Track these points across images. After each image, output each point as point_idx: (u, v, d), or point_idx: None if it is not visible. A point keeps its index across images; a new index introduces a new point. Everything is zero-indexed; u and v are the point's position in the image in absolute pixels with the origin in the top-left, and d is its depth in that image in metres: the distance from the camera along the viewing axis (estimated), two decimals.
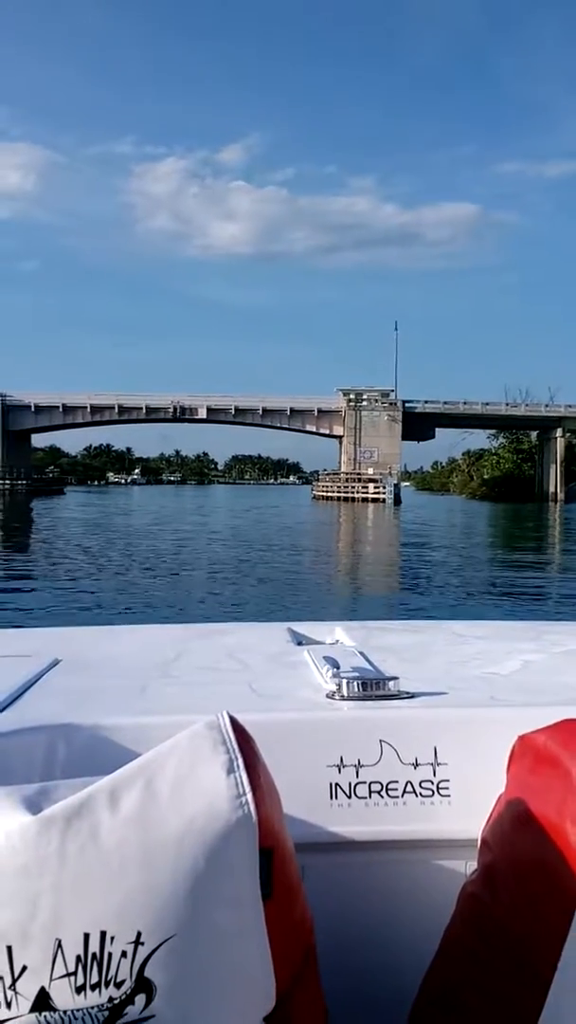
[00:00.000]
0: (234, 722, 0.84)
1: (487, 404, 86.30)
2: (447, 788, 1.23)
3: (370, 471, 79.53)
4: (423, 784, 1.23)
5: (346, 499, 75.87)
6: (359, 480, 79.00)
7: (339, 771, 1.22)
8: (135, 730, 1.18)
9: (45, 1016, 0.76)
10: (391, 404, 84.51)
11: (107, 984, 0.76)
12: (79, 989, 0.75)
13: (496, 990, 0.96)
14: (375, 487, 76.22)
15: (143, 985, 0.77)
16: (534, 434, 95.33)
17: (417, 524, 47.92)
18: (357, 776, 1.22)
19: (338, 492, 78.70)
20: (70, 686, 1.44)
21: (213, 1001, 0.79)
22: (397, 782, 1.23)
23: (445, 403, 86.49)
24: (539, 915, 0.91)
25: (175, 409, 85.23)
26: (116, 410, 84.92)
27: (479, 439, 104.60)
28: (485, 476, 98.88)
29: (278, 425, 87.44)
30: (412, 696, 1.31)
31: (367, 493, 76.00)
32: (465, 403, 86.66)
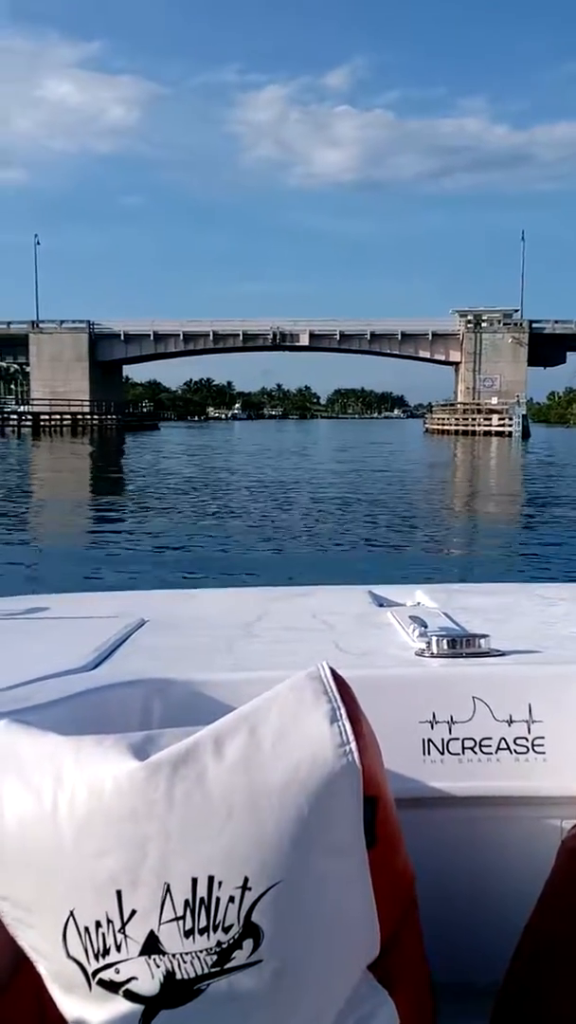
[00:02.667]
0: (335, 673, 0.84)
1: None
2: (542, 745, 1.22)
3: (493, 401, 70.70)
4: (518, 741, 1.22)
5: (465, 432, 67.57)
6: (479, 411, 70.39)
7: (432, 727, 1.21)
8: (228, 685, 1.18)
9: (155, 959, 0.77)
10: (516, 325, 75.00)
11: (215, 928, 0.77)
12: (188, 933, 0.77)
13: None
14: (499, 419, 67.52)
15: (251, 930, 0.77)
16: None
17: (559, 463, 39.85)
18: (450, 732, 1.22)
19: (455, 425, 70.30)
20: (159, 644, 1.46)
21: (318, 947, 0.80)
22: (491, 739, 1.22)
23: None
24: None
25: (275, 336, 77.86)
26: (211, 337, 78.14)
27: None
28: None
29: (388, 352, 79.04)
30: (503, 654, 1.30)
31: (490, 425, 67.43)
32: None
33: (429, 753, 1.21)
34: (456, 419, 71.35)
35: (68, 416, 70.57)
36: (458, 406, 74.23)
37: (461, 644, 1.30)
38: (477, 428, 67.85)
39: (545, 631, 1.49)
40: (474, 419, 69.34)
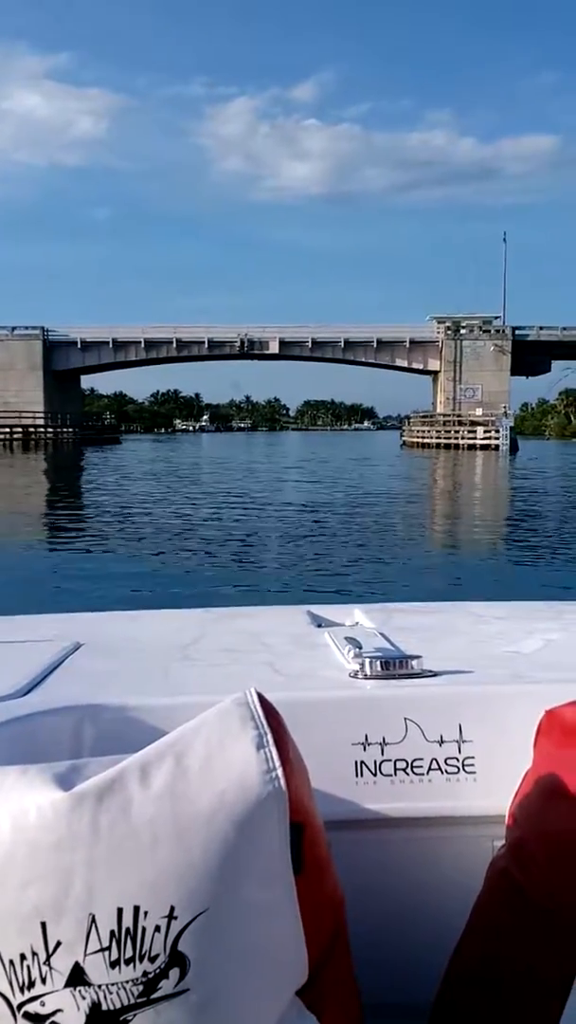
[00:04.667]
0: (262, 698, 0.84)
1: None
2: (472, 765, 1.24)
3: (477, 412, 66.35)
4: (448, 761, 1.24)
5: (447, 446, 63.18)
6: (461, 423, 66.05)
7: (364, 749, 1.23)
8: (161, 710, 1.18)
9: (80, 991, 0.76)
10: (498, 332, 70.93)
11: (141, 959, 0.76)
12: (113, 964, 0.76)
13: (526, 964, 0.96)
14: (485, 431, 63.21)
15: (177, 959, 0.77)
16: None
17: (552, 478, 35.48)
18: (382, 754, 1.23)
19: (436, 437, 65.85)
20: (94, 668, 1.46)
21: (245, 975, 0.80)
22: (422, 759, 1.23)
23: (564, 329, 72.31)
24: (569, 888, 0.91)
25: (242, 343, 73.12)
26: (174, 345, 73.21)
27: None
28: None
29: (363, 360, 74.60)
30: (435, 674, 1.32)
31: (475, 438, 63.07)
32: None
33: (362, 775, 1.22)
34: (437, 431, 66.90)
35: (19, 429, 65.51)
36: (438, 417, 69.88)
37: (394, 665, 1.31)
38: (460, 441, 63.48)
39: (479, 650, 1.50)
40: (457, 431, 64.88)
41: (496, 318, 72.82)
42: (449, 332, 70.62)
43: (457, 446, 62.67)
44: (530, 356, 70.96)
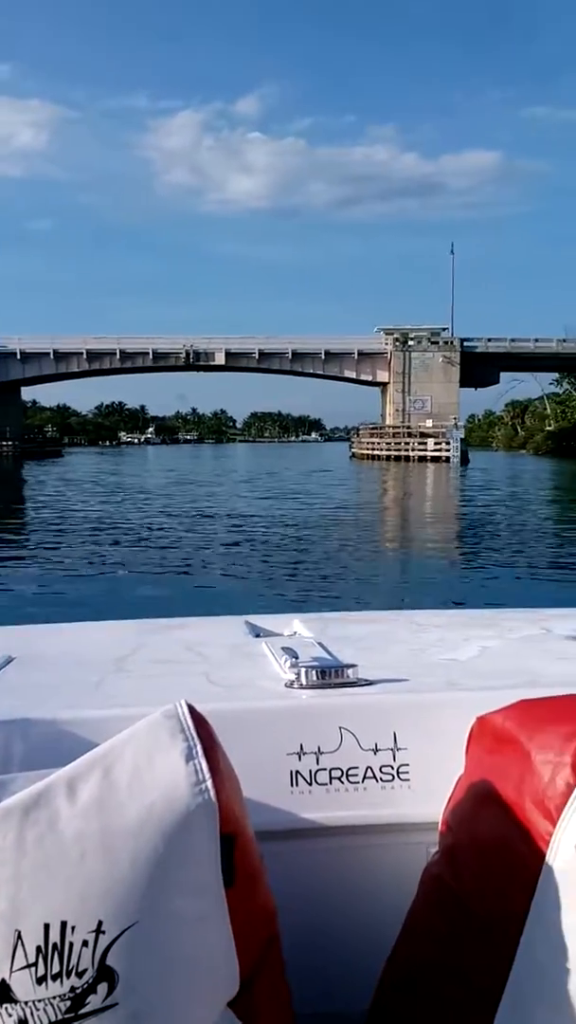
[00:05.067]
0: (192, 710, 0.84)
1: (564, 341, 71.97)
2: (407, 772, 1.24)
3: (427, 423, 65.65)
4: (383, 769, 1.24)
5: (397, 458, 62.41)
6: (411, 434, 65.34)
7: (299, 759, 1.23)
8: (92, 723, 1.17)
9: (6, 1008, 0.75)
10: (447, 343, 70.50)
11: (68, 974, 0.75)
12: (40, 980, 0.75)
13: (460, 969, 0.97)
14: (435, 443, 62.52)
15: (105, 974, 0.76)
16: None
17: (504, 489, 34.68)
18: (317, 763, 1.23)
19: (387, 449, 65.10)
20: (25, 682, 1.43)
21: (176, 988, 0.79)
22: (357, 768, 1.23)
23: (512, 341, 72.27)
24: (501, 893, 0.91)
25: (188, 355, 71.57)
26: (118, 356, 71.35)
27: (531, 387, 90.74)
28: (550, 428, 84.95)
29: (311, 372, 73.55)
30: (370, 683, 1.32)
31: (425, 450, 62.41)
32: (537, 341, 72.38)
33: (297, 784, 1.22)
34: (387, 443, 66.10)
35: None
36: (387, 429, 69.18)
37: (330, 675, 1.31)
38: (411, 453, 62.89)
39: (414, 659, 1.51)
40: (407, 443, 64.28)
41: (444, 330, 72.48)
42: (398, 344, 70.07)
43: (407, 458, 62.02)
44: (479, 368, 70.65)
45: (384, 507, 29.95)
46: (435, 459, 60.51)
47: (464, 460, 60.21)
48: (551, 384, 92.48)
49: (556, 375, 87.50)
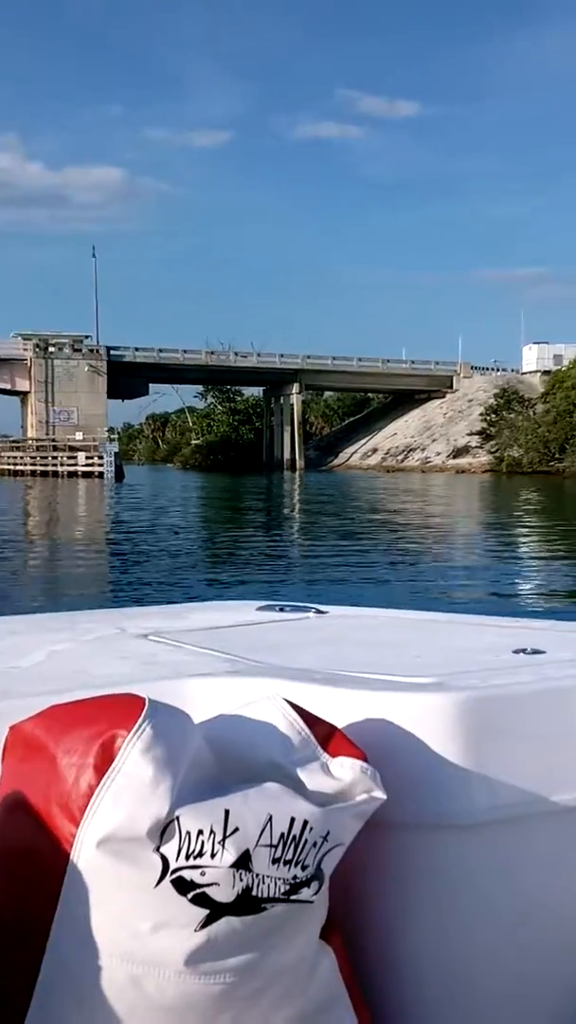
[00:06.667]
0: None
1: (211, 353, 71.45)
2: None
3: (77, 436, 61.38)
4: None
5: (43, 474, 57.51)
6: (57, 448, 60.74)
7: None
8: None
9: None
10: (92, 351, 66.81)
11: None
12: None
13: None
14: (87, 457, 58.58)
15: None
16: (251, 392, 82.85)
17: (166, 509, 32.14)
18: None
19: (31, 464, 59.90)
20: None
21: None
22: None
23: (161, 351, 70.42)
24: (28, 899, 0.93)
25: None
26: None
27: (170, 400, 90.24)
28: (196, 441, 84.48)
29: None
30: None
31: (75, 465, 58.28)
32: (186, 352, 71.13)
33: None
34: (32, 457, 60.87)
35: None
36: (30, 442, 63.81)
37: None
38: (59, 468, 58.38)
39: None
40: (54, 458, 59.64)
41: (87, 337, 68.93)
42: (38, 350, 65.21)
43: (55, 473, 57.47)
44: (127, 378, 68.02)
45: (28, 532, 25.12)
46: (87, 475, 56.83)
47: (119, 476, 57.15)
48: (195, 397, 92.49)
49: (200, 388, 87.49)
